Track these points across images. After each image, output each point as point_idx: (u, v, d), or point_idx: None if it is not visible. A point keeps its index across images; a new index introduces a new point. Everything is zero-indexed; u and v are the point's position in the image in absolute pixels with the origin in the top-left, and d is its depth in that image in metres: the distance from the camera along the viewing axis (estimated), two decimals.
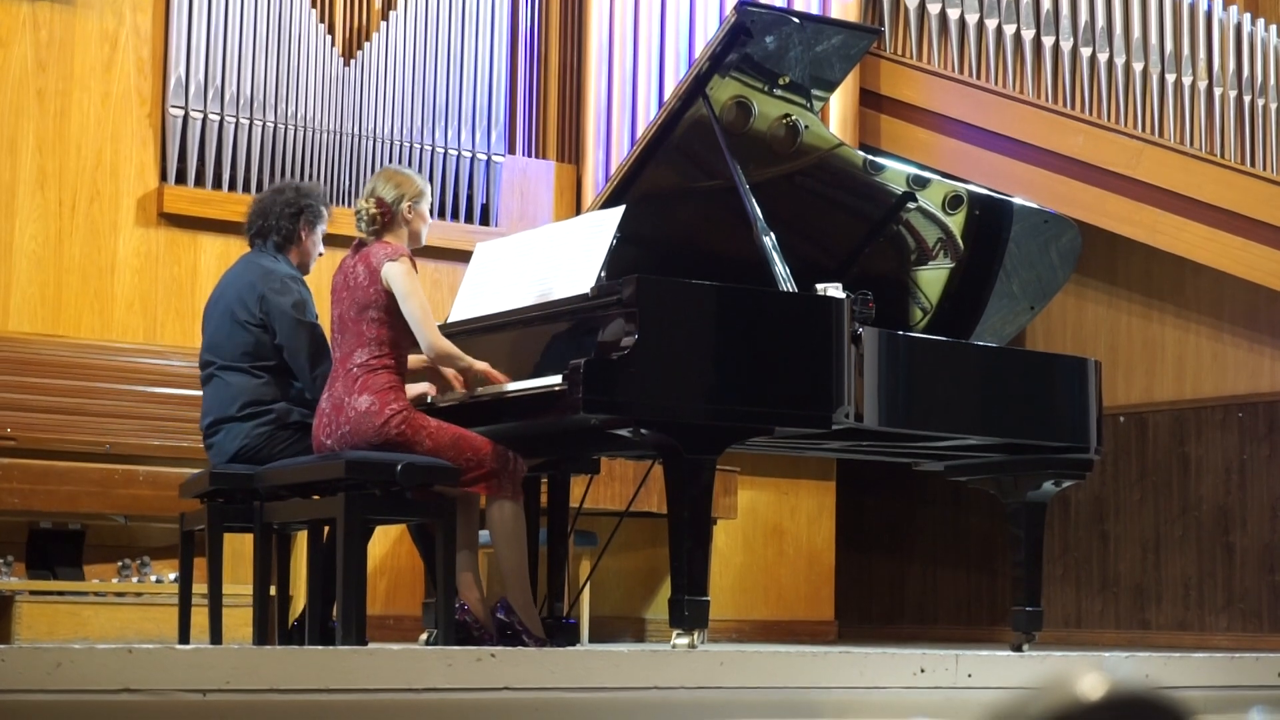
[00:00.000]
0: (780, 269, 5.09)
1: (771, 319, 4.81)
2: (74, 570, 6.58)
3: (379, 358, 4.86)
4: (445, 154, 8.05)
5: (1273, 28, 8.60)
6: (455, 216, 8.03)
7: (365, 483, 4.70)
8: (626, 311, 4.62)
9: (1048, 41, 8.66)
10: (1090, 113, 8.57)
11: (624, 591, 8.10)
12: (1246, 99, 8.47)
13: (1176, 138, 8.46)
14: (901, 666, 4.16)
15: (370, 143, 7.88)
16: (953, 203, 5.81)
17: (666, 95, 7.81)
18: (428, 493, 4.79)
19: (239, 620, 5.74)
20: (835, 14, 8.64)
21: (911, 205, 5.75)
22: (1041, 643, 5.85)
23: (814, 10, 8.60)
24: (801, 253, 5.43)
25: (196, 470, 5.49)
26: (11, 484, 6.34)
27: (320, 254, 5.44)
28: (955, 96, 8.82)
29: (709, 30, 8.46)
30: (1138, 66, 8.53)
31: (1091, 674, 1.61)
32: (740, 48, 5.25)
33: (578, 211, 8.06)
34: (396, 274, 4.86)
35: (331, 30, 7.93)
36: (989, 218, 5.89)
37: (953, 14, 8.81)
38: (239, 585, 5.92)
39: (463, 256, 5.88)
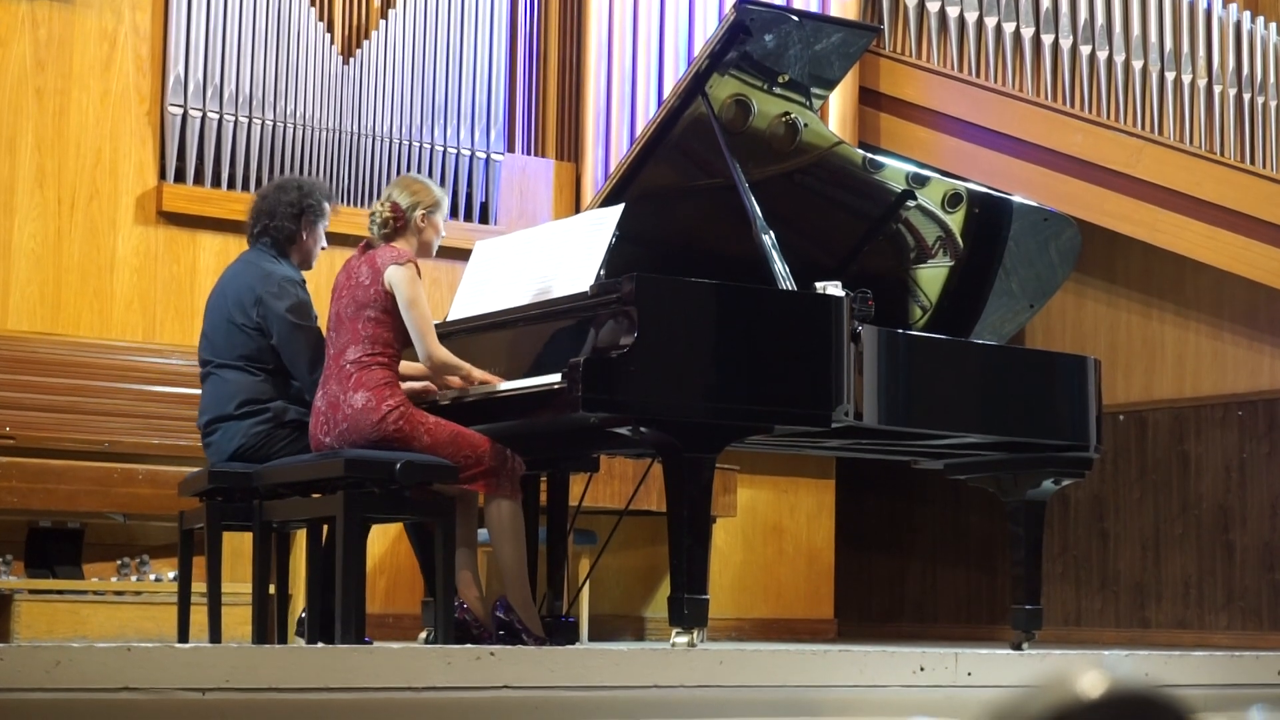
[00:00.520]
0: (780, 267, 5.09)
1: (771, 317, 4.81)
2: (73, 569, 6.58)
3: (372, 355, 4.85)
4: (444, 152, 8.05)
5: (1272, 25, 8.60)
6: (455, 215, 8.02)
7: (364, 481, 4.70)
8: (626, 310, 4.62)
9: (1047, 39, 8.66)
10: (1090, 111, 8.57)
11: (623, 590, 8.10)
12: (1246, 97, 8.47)
13: (1176, 136, 8.46)
14: (901, 665, 4.15)
15: (369, 141, 7.87)
16: (952, 201, 5.81)
17: (666, 93, 7.81)
18: (427, 491, 4.79)
19: (238, 619, 5.74)
20: (834, 12, 8.64)
21: (911, 203, 5.74)
22: (1041, 641, 5.85)
23: (813, 8, 8.59)
24: (801, 251, 5.43)
25: (195, 469, 5.49)
26: (10, 483, 6.33)
27: (323, 248, 5.44)
28: (954, 94, 8.82)
29: (708, 28, 8.46)
30: (1137, 64, 8.53)
31: (1091, 672, 1.60)
32: (739, 46, 5.25)
33: (577, 210, 8.06)
34: (401, 279, 4.86)
35: (331, 28, 7.93)
36: (988, 216, 5.89)
37: (952, 12, 8.81)
38: (238, 584, 5.91)
39: (462, 255, 5.87)
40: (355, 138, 7.84)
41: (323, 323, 5.16)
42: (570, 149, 8.58)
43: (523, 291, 5.14)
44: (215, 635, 5.11)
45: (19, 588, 6.25)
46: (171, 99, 7.41)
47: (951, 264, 5.90)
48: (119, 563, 6.58)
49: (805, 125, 5.53)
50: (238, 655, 3.38)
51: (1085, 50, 8.60)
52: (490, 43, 8.21)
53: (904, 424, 5.11)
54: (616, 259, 4.97)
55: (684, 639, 4.58)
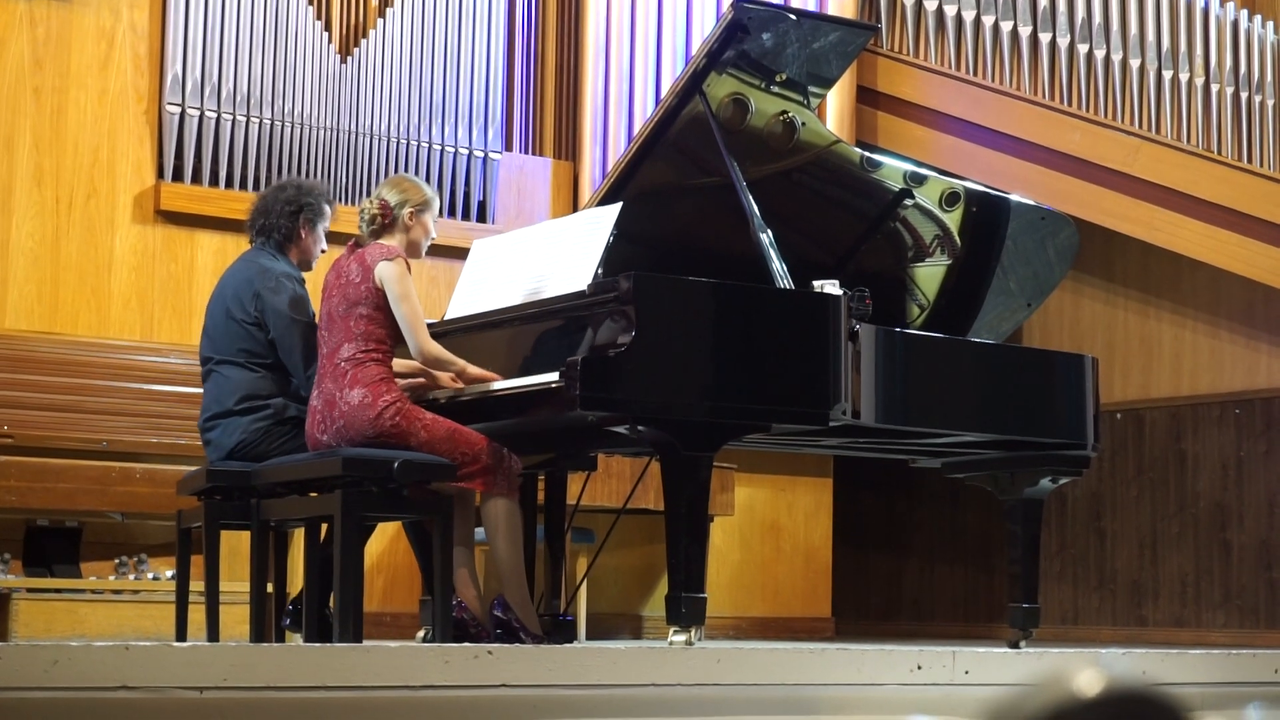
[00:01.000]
0: (777, 266, 5.09)
1: (769, 316, 4.81)
2: (71, 568, 6.58)
3: (367, 351, 4.85)
4: (442, 151, 8.05)
5: (1270, 24, 8.60)
6: (452, 214, 8.02)
7: (362, 480, 4.70)
8: (623, 308, 4.62)
9: (1044, 38, 8.66)
10: (1087, 109, 8.57)
11: (621, 588, 8.10)
12: (1243, 95, 8.47)
13: (1173, 134, 8.46)
14: (899, 663, 4.16)
15: (367, 140, 7.87)
16: (950, 199, 5.81)
17: (663, 92, 7.81)
18: (424, 490, 4.79)
19: (236, 617, 5.74)
20: (832, 11, 8.63)
21: (908, 202, 5.75)
22: (1038, 639, 5.86)
23: (811, 7, 8.59)
24: (798, 250, 5.43)
25: (194, 467, 5.49)
26: (9, 481, 6.34)
27: (323, 250, 5.44)
28: (952, 93, 8.82)
29: (706, 27, 8.46)
30: (1135, 63, 8.53)
31: (1088, 671, 1.61)
32: (737, 44, 5.25)
33: (575, 208, 8.06)
34: (391, 275, 4.86)
35: (328, 27, 7.93)
36: (986, 214, 5.89)
37: (949, 10, 8.81)
38: (236, 582, 5.92)
39: (459, 254, 5.88)
40: (353, 136, 7.84)
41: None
42: (568, 148, 8.58)
43: (520, 290, 5.14)
44: (213, 634, 5.11)
45: (17, 586, 6.25)
46: (169, 98, 7.41)
47: (949, 262, 5.91)
48: (117, 561, 6.58)
49: (803, 124, 5.53)
50: (235, 654, 3.39)
51: (1083, 49, 8.60)
52: (488, 41, 8.21)
53: (901, 422, 5.12)
54: (614, 258, 4.97)
55: (681, 637, 4.59)
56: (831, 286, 4.97)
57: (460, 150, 8.09)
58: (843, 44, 5.46)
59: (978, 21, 8.78)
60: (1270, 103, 8.46)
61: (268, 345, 5.19)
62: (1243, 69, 8.49)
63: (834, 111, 8.76)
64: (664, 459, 4.70)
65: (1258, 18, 8.61)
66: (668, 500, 4.70)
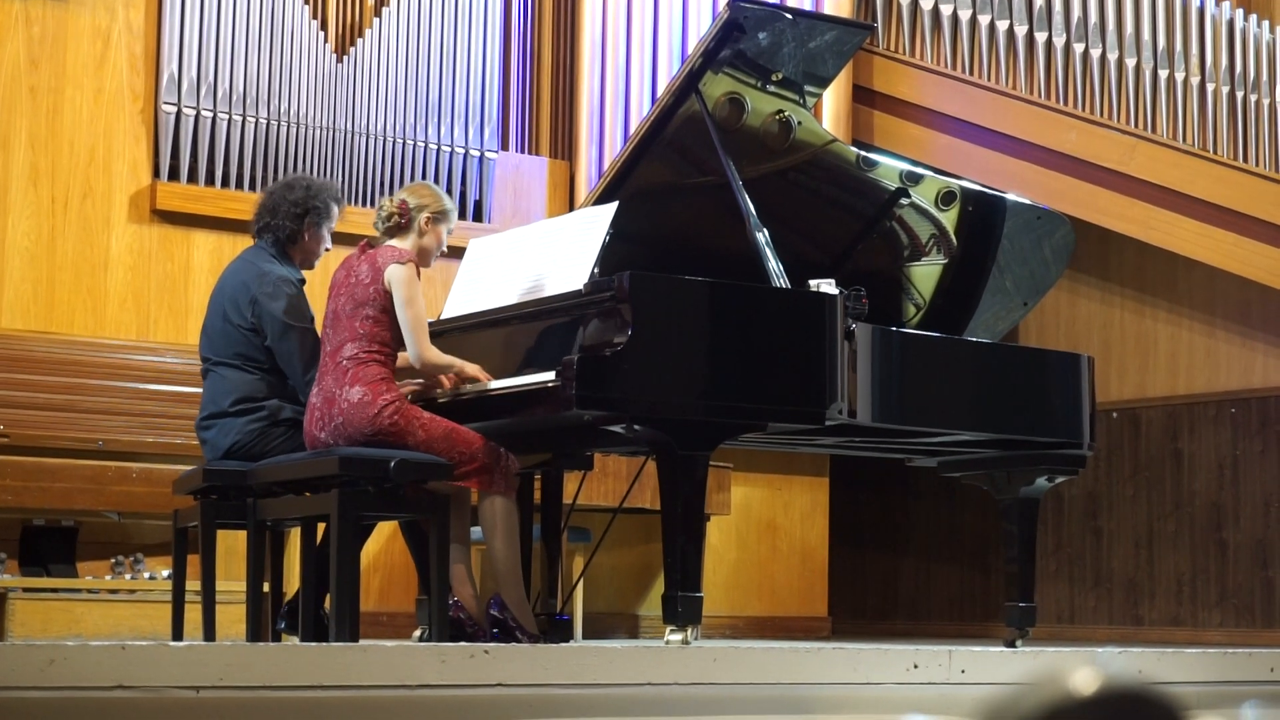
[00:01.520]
0: (773, 265, 5.09)
1: (765, 315, 4.82)
2: (67, 567, 6.57)
3: (369, 351, 4.86)
4: (438, 150, 8.05)
5: (1265, 23, 8.61)
6: None
7: (358, 479, 4.70)
8: (619, 308, 4.62)
9: (1040, 37, 8.66)
10: (1083, 108, 8.57)
11: (617, 588, 8.10)
12: (1239, 94, 8.47)
13: (1169, 133, 8.46)
14: (895, 662, 4.16)
15: (363, 139, 7.87)
16: (946, 199, 5.81)
17: (659, 92, 7.81)
18: (421, 489, 4.79)
19: (232, 617, 5.74)
20: (828, 10, 8.64)
21: (905, 201, 5.75)
22: (1034, 638, 5.86)
23: (807, 6, 8.59)
24: (795, 249, 5.43)
25: (190, 467, 5.49)
26: (4, 481, 6.33)
27: (327, 249, 5.43)
28: (948, 92, 8.82)
29: (702, 26, 8.46)
30: (1130, 62, 8.54)
31: (1084, 670, 1.61)
32: (733, 44, 5.25)
33: (571, 208, 8.05)
34: (400, 278, 4.87)
35: (324, 26, 7.93)
36: (982, 214, 5.89)
37: (945, 10, 8.81)
38: (232, 582, 5.92)
39: (456, 253, 5.87)
40: (349, 136, 7.84)
41: (319, 318, 5.16)
42: (564, 147, 8.58)
43: (516, 289, 5.14)
44: (209, 633, 5.11)
45: (13, 586, 6.25)
46: (165, 97, 7.41)
47: (945, 262, 5.91)
48: (113, 561, 6.58)
49: (799, 123, 5.54)
50: (232, 653, 3.39)
51: (1078, 48, 8.60)
52: (484, 40, 8.21)
53: (898, 422, 5.12)
54: (610, 257, 4.97)
55: (678, 637, 4.59)
56: (828, 286, 4.97)
57: (456, 150, 8.08)
58: (839, 43, 5.47)
59: (974, 21, 8.78)
60: (1265, 101, 8.46)
61: (264, 350, 5.19)
62: (1238, 68, 8.49)
63: (830, 111, 8.77)
64: (660, 458, 4.70)
65: (1253, 17, 8.61)
66: (664, 499, 4.70)
